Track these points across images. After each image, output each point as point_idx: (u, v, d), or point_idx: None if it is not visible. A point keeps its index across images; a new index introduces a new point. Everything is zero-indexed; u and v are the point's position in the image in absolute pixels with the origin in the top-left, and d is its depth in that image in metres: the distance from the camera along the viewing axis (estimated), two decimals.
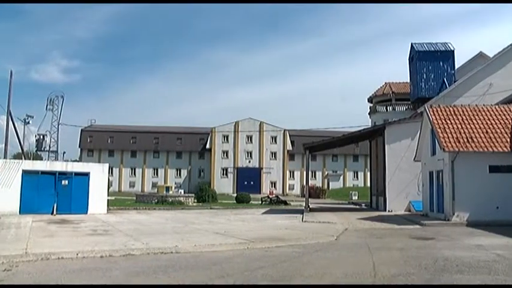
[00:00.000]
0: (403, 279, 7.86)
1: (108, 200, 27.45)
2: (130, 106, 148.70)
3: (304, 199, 31.68)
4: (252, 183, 73.82)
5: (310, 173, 64.98)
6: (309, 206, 29.41)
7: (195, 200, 38.62)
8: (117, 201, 36.53)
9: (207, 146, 77.17)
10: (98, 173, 25.62)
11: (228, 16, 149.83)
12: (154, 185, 71.89)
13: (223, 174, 75.96)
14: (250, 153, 76.50)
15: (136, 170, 78.38)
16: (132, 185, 76.89)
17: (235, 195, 49.52)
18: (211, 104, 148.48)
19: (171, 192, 42.80)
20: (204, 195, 40.19)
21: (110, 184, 50.17)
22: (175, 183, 72.31)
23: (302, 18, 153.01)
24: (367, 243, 12.87)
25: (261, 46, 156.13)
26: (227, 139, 76.54)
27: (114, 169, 73.45)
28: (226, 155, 76.39)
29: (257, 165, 76.24)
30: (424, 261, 9.63)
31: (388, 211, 26.91)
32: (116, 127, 76.35)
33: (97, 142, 77.35)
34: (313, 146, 33.92)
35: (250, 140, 76.51)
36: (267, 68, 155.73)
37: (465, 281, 7.70)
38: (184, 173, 78.86)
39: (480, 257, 10.17)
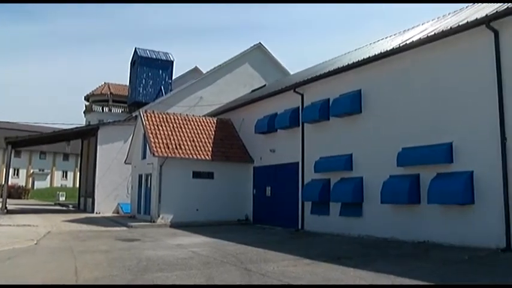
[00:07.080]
0: (107, 281, 7.82)
1: None
2: None
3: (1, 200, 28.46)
4: None
5: (12, 170, 58.94)
6: (6, 208, 26.61)
7: None
8: None
9: None
10: None
11: None
12: None
13: None
14: None
15: None
16: None
17: None
18: None
19: None
20: None
21: None
22: None
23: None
24: (71, 247, 12.35)
25: None
26: None
27: None
28: None
29: None
30: (128, 262, 9.78)
31: (96, 213, 26.64)
32: None
33: None
34: (18, 141, 30.92)
35: None
36: None
37: (164, 277, 8.13)
38: None
39: (179, 255, 10.95)
